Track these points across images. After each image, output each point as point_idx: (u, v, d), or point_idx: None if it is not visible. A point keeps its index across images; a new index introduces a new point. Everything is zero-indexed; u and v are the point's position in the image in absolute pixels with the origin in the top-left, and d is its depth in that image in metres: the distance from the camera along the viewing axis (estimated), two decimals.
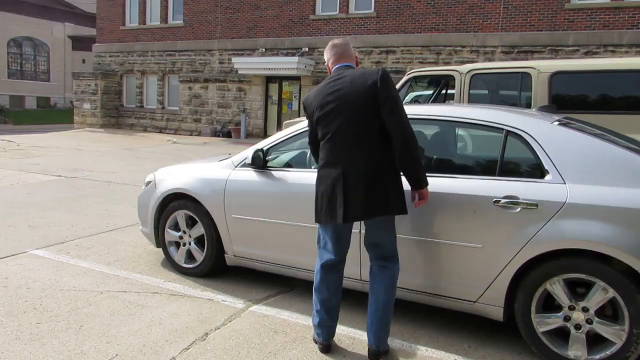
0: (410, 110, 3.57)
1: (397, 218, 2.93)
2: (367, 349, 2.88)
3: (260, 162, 3.68)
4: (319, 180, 2.80)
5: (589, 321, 2.67)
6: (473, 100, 6.33)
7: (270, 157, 3.74)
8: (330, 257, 2.86)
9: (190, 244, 4.08)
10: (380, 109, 2.63)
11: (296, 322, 3.31)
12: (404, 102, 7.57)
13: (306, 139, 3.58)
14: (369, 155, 2.67)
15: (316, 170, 2.91)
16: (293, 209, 3.49)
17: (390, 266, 2.85)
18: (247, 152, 3.79)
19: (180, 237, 4.12)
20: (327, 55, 2.96)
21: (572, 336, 2.71)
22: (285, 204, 3.53)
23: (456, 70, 6.53)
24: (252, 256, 3.77)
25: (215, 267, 4.00)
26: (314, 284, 2.92)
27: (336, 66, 2.88)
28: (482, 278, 2.91)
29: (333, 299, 2.89)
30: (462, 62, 12.32)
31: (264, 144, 3.79)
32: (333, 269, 2.88)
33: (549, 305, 2.80)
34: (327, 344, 2.92)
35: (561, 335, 2.79)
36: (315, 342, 2.97)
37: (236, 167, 3.82)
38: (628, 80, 5.59)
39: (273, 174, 3.64)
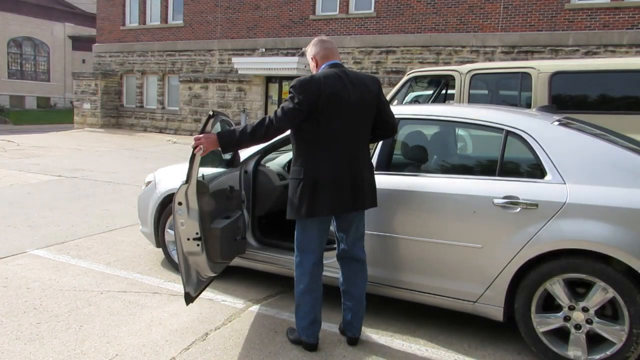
0: (411, 110, 3.58)
1: (398, 217, 2.94)
2: (346, 340, 3.03)
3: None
4: (317, 169, 2.73)
5: (588, 321, 2.67)
6: (473, 100, 6.33)
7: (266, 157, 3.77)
8: (317, 254, 2.89)
9: None
10: (381, 111, 2.90)
11: None
12: (403, 102, 7.57)
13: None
14: (366, 152, 2.92)
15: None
16: None
17: (364, 258, 2.99)
18: (246, 152, 3.79)
19: None
20: (315, 50, 2.91)
21: (572, 336, 2.72)
22: None
23: (456, 70, 6.52)
24: (251, 256, 3.77)
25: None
26: (302, 287, 2.88)
27: (331, 62, 2.86)
28: (482, 278, 2.91)
29: (321, 294, 2.93)
30: (462, 62, 12.31)
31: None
32: (320, 264, 2.92)
33: (549, 305, 2.80)
34: (317, 342, 2.94)
35: (561, 335, 2.79)
36: (301, 344, 2.96)
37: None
38: (628, 80, 5.59)
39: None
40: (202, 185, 3.09)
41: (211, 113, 2.95)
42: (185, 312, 3.42)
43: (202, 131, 2.86)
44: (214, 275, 3.26)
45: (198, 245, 2.97)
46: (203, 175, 3.18)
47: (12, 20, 31.18)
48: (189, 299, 2.92)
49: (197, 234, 2.96)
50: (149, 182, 4.38)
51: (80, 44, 32.91)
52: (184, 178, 2.94)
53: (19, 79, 32.43)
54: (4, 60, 31.50)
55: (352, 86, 2.76)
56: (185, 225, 2.94)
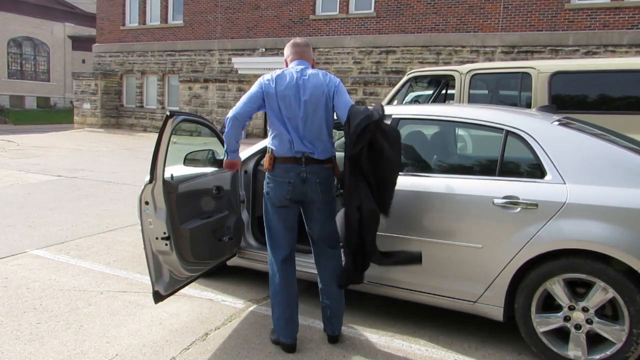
0: (411, 110, 3.58)
1: (397, 217, 2.93)
2: (327, 338, 3.04)
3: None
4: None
5: (589, 321, 2.67)
6: (473, 100, 6.33)
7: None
8: (286, 250, 2.92)
9: None
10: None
11: None
12: (403, 102, 7.54)
13: None
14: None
15: None
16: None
17: (338, 253, 2.98)
18: (245, 153, 3.80)
19: None
20: (287, 52, 3.05)
21: (572, 336, 2.72)
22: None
23: (456, 70, 6.51)
24: (251, 256, 3.77)
25: (215, 267, 3.99)
26: (274, 288, 2.91)
27: (295, 61, 2.96)
28: (482, 278, 2.91)
29: (295, 291, 2.93)
30: (462, 62, 12.30)
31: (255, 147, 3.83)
32: (291, 260, 2.95)
33: (549, 305, 2.80)
34: (295, 343, 2.93)
35: (561, 335, 2.79)
36: (278, 344, 2.96)
37: None
38: (628, 80, 5.58)
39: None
40: (170, 185, 3.09)
41: (168, 113, 2.91)
42: (185, 312, 3.42)
43: (161, 133, 2.87)
44: (193, 275, 3.24)
45: (166, 244, 2.97)
46: (172, 175, 3.20)
47: (12, 20, 31.16)
48: (158, 297, 2.92)
49: (164, 233, 2.96)
50: None
51: (80, 44, 32.89)
52: (148, 177, 2.96)
53: (19, 79, 32.41)
54: (4, 60, 31.49)
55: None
56: (153, 224, 2.96)
